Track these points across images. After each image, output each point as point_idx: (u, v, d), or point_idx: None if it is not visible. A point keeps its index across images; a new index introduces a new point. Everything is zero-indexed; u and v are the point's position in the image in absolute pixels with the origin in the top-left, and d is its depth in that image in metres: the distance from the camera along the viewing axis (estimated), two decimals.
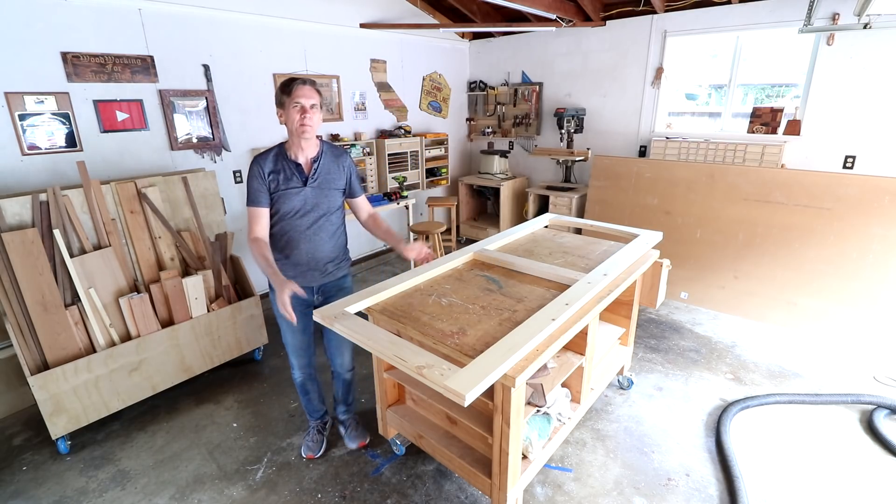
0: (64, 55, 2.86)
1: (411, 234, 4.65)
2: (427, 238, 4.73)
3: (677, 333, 3.44)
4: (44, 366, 2.33)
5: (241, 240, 3.90)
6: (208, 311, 2.86)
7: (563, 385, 2.21)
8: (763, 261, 3.54)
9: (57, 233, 2.38)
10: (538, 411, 1.97)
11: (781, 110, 3.91)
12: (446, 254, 3.01)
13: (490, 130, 5.76)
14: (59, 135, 2.92)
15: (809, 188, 3.36)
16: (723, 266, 3.71)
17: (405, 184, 4.91)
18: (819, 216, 3.32)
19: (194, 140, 3.54)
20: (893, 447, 2.24)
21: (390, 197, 4.49)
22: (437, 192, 5.84)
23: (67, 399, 2.35)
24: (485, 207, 6.12)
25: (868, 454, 2.25)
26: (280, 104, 1.84)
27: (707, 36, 4.15)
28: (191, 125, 3.50)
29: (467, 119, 6.03)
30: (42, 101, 2.82)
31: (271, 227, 1.95)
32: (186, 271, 2.92)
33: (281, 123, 1.89)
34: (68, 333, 2.39)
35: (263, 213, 1.91)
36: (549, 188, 5.02)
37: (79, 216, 2.52)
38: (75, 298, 2.46)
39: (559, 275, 2.11)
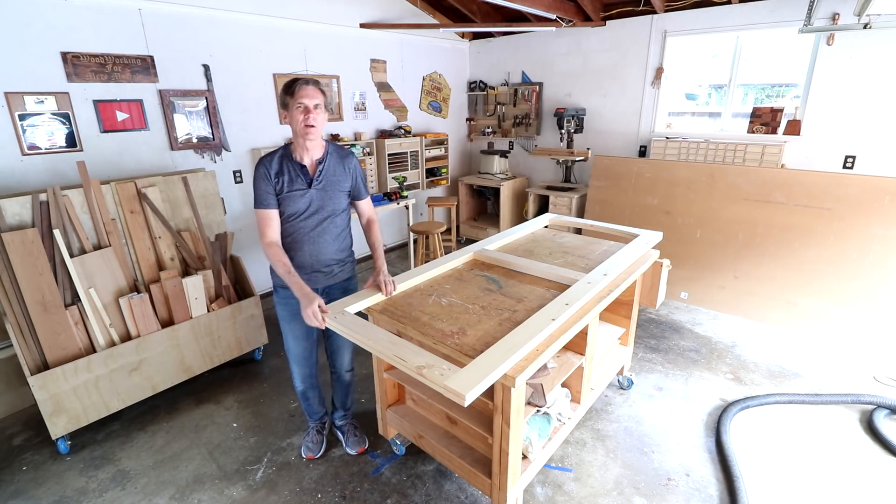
0: (64, 55, 2.86)
1: (411, 234, 4.66)
2: (427, 238, 4.74)
3: (677, 333, 3.44)
4: (44, 366, 2.33)
5: (241, 240, 3.90)
6: (208, 311, 2.86)
7: (563, 385, 2.21)
8: (763, 261, 3.54)
9: (57, 233, 2.38)
10: (538, 411, 1.97)
11: (781, 110, 3.91)
12: (446, 254, 3.01)
13: (490, 130, 5.76)
14: (59, 135, 2.92)
15: (809, 188, 3.36)
16: (723, 266, 3.71)
17: (405, 184, 4.91)
18: (819, 216, 3.32)
19: (194, 140, 3.54)
20: (893, 447, 2.24)
21: (390, 197, 4.49)
22: (437, 192, 5.84)
23: (67, 399, 2.35)
24: (485, 207, 6.12)
25: (868, 454, 2.25)
26: (284, 105, 1.82)
27: (707, 36, 4.14)
28: (191, 125, 3.50)
29: (467, 119, 6.03)
30: (42, 101, 2.82)
31: None
32: (186, 271, 2.93)
33: (282, 123, 1.89)
34: (68, 333, 2.39)
35: (274, 216, 1.88)
36: (549, 188, 5.02)
37: (79, 216, 2.52)
38: (75, 298, 2.46)
39: (559, 275, 2.11)
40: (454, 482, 2.16)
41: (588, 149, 4.93)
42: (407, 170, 5.04)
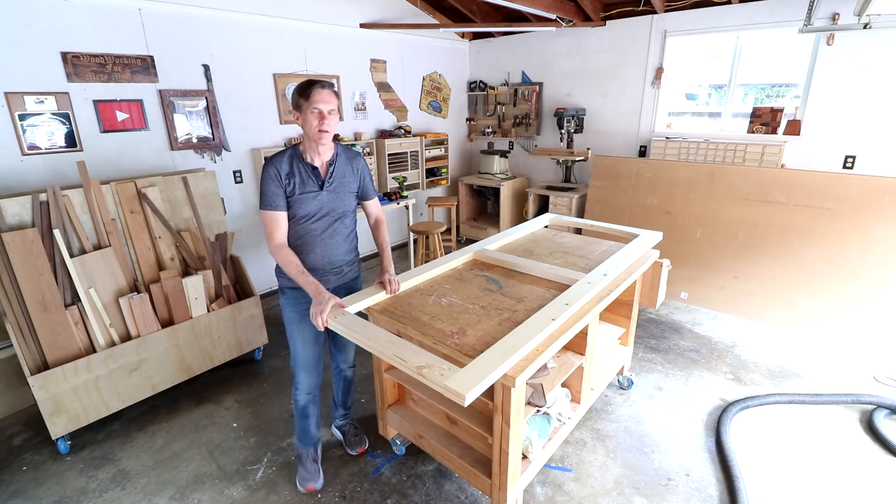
0: (64, 55, 2.86)
1: (411, 234, 4.66)
2: (427, 238, 4.74)
3: (677, 333, 3.44)
4: (44, 366, 2.33)
5: (241, 240, 3.90)
6: (208, 311, 2.86)
7: (563, 385, 2.21)
8: (763, 261, 3.54)
9: (57, 233, 2.38)
10: (538, 411, 1.97)
11: (781, 110, 3.91)
12: (446, 254, 3.01)
13: (490, 130, 5.76)
14: (59, 135, 2.92)
15: (809, 188, 3.36)
16: (723, 266, 3.71)
17: (405, 184, 4.91)
18: (819, 216, 3.32)
19: (194, 140, 3.54)
20: (893, 447, 2.24)
21: (390, 197, 4.49)
22: (437, 192, 5.84)
23: (67, 399, 2.35)
24: (485, 207, 6.12)
25: (868, 454, 2.25)
26: (297, 107, 1.78)
27: (707, 36, 4.14)
28: (191, 125, 3.50)
29: (467, 119, 6.03)
30: (42, 101, 2.82)
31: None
32: (186, 271, 2.92)
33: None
34: (68, 333, 2.39)
35: (283, 218, 1.83)
36: (549, 188, 5.02)
37: (79, 216, 2.52)
38: (75, 298, 2.46)
39: (559, 275, 2.11)
40: (454, 482, 2.16)
41: (588, 149, 4.93)
42: (407, 170, 5.04)
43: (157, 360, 2.65)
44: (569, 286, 2.00)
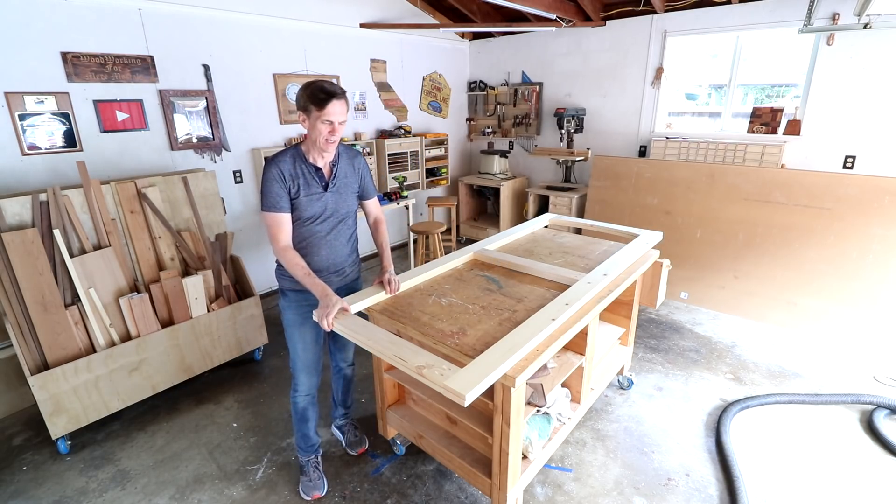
0: (64, 55, 2.86)
1: (411, 234, 4.66)
2: (427, 238, 4.74)
3: (677, 333, 3.44)
4: (44, 366, 2.33)
5: (241, 240, 3.90)
6: (208, 311, 2.86)
7: (563, 385, 2.21)
8: (763, 261, 3.54)
9: (57, 233, 2.38)
10: (538, 411, 1.97)
11: (781, 110, 3.91)
12: (446, 254, 3.01)
13: (490, 130, 5.76)
14: (58, 135, 2.92)
15: (809, 188, 3.36)
16: (723, 266, 3.71)
17: (405, 184, 4.91)
18: (819, 216, 3.32)
19: (194, 140, 3.54)
20: (893, 447, 2.24)
21: (390, 197, 4.49)
22: (437, 192, 5.84)
23: (67, 399, 2.35)
24: (485, 207, 6.12)
25: (868, 454, 2.25)
26: (305, 110, 1.72)
27: (707, 36, 4.14)
28: (191, 125, 3.50)
29: (467, 119, 6.03)
30: (42, 101, 2.82)
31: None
32: (186, 271, 2.93)
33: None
34: (68, 333, 2.39)
35: (287, 219, 1.79)
36: (549, 188, 5.02)
37: (79, 216, 2.52)
38: (75, 298, 2.46)
39: (559, 275, 2.12)
40: (454, 482, 2.16)
41: (588, 149, 4.93)
42: (407, 170, 5.04)
43: (157, 360, 2.65)
44: (569, 286, 2.00)
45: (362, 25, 4.49)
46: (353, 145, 4.53)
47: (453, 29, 4.84)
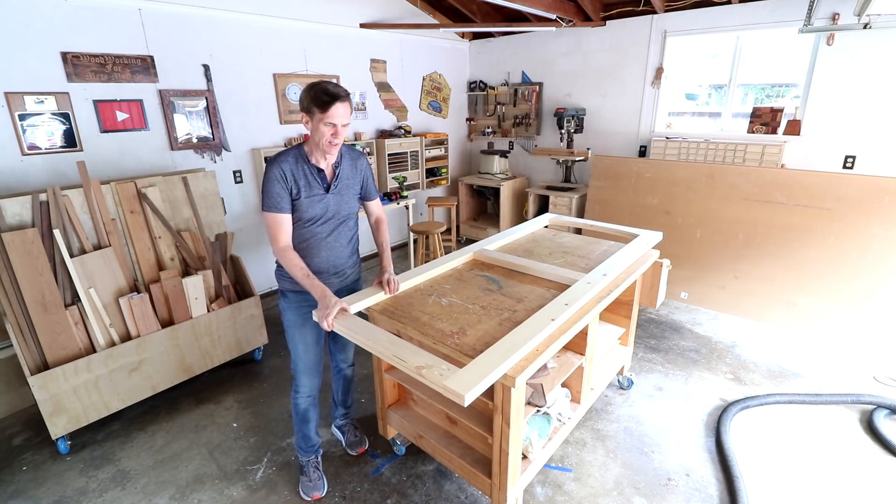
0: (64, 55, 2.86)
1: (411, 234, 4.66)
2: (427, 238, 4.74)
3: (677, 333, 3.44)
4: (44, 366, 2.33)
5: (241, 240, 3.90)
6: (208, 311, 2.86)
7: (563, 385, 2.21)
8: (763, 261, 3.54)
9: (57, 233, 2.38)
10: (538, 411, 1.97)
11: (781, 110, 3.91)
12: (446, 254, 3.01)
13: (490, 130, 5.76)
14: (58, 135, 2.92)
15: (809, 188, 3.36)
16: (723, 266, 3.71)
17: (405, 184, 4.91)
18: (819, 216, 3.32)
19: (194, 140, 3.54)
20: (893, 447, 2.24)
21: (390, 197, 4.49)
22: (437, 192, 5.84)
23: (67, 399, 2.35)
24: (485, 207, 6.12)
25: (868, 454, 2.25)
26: (308, 111, 1.71)
27: (707, 36, 4.14)
28: (191, 125, 3.50)
29: (467, 119, 6.03)
30: (42, 101, 2.82)
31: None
32: (186, 271, 2.93)
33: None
34: (68, 333, 2.39)
35: (287, 220, 1.78)
36: (549, 188, 5.02)
37: (79, 216, 2.52)
38: (75, 298, 2.46)
39: (559, 275, 2.11)
40: (454, 482, 2.16)
41: (588, 149, 4.93)
42: (407, 170, 5.04)
43: (157, 360, 2.65)
44: (569, 286, 2.00)
45: (362, 25, 4.49)
46: (353, 145, 4.53)
47: (453, 29, 4.84)
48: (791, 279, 3.43)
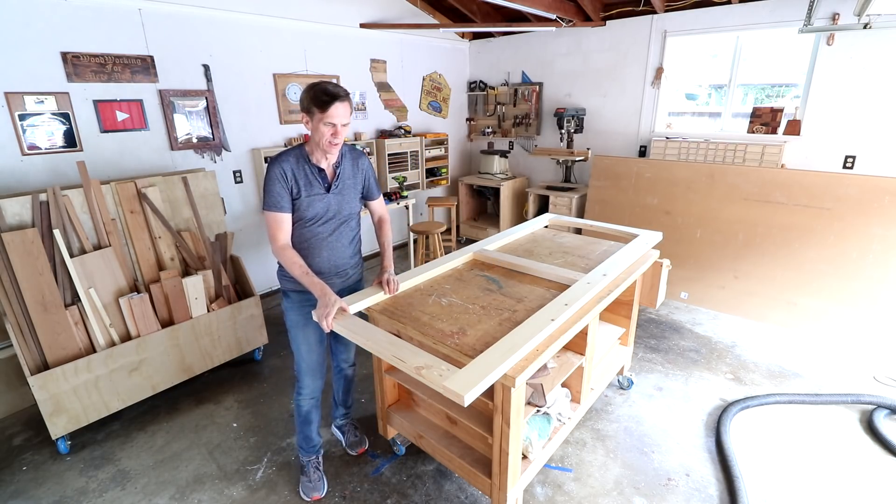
0: (64, 55, 2.86)
1: (411, 234, 4.66)
2: (427, 238, 4.74)
3: (677, 333, 3.44)
4: (44, 366, 2.33)
5: (241, 240, 3.90)
6: (208, 311, 2.86)
7: (563, 385, 2.21)
8: (763, 261, 3.54)
9: (57, 233, 2.38)
10: (538, 411, 1.97)
11: (781, 110, 3.91)
12: (446, 254, 3.01)
13: (490, 130, 5.76)
14: (58, 135, 2.92)
15: (809, 188, 3.36)
16: (723, 266, 3.71)
17: (405, 184, 4.91)
18: (819, 216, 3.32)
19: (194, 140, 3.54)
20: (893, 447, 2.24)
21: (390, 197, 4.49)
22: (437, 192, 5.84)
23: (67, 399, 2.35)
24: (485, 207, 6.12)
25: (868, 454, 2.25)
26: (308, 111, 1.72)
27: (707, 36, 4.14)
28: (191, 125, 3.50)
29: (467, 119, 6.03)
30: (42, 101, 2.82)
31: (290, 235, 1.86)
32: (186, 271, 2.93)
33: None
34: (68, 333, 2.39)
35: (287, 219, 1.79)
36: (549, 188, 5.02)
37: (79, 216, 2.52)
38: (75, 298, 2.46)
39: (559, 275, 2.11)
40: (454, 482, 2.16)
41: (588, 149, 4.93)
42: (407, 170, 5.04)
43: (157, 360, 2.65)
44: (569, 286, 2.00)
45: (362, 25, 4.49)
46: (353, 145, 4.53)
47: (453, 29, 4.84)
48: (791, 279, 3.43)
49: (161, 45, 3.25)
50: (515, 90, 5.43)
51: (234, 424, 2.60)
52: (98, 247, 2.58)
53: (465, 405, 1.30)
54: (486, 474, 1.82)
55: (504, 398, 1.59)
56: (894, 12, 3.08)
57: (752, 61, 4.15)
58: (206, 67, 3.51)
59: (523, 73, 5.38)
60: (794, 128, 3.84)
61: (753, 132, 4.03)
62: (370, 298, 1.92)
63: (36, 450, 2.45)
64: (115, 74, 3.08)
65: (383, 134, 4.89)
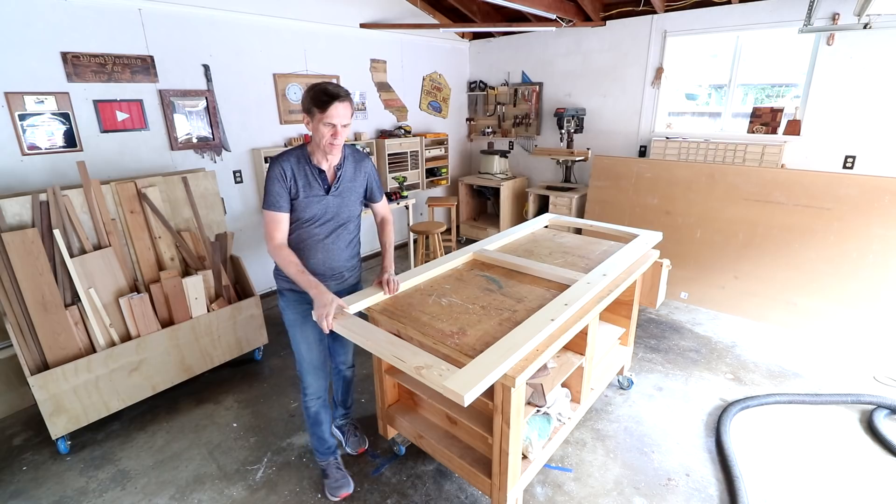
0: (64, 55, 2.86)
1: (411, 234, 4.66)
2: (427, 238, 4.74)
3: (677, 333, 3.44)
4: (44, 366, 2.33)
5: (241, 240, 3.90)
6: (208, 311, 2.86)
7: (563, 385, 2.21)
8: (763, 261, 3.54)
9: (57, 233, 2.38)
10: (538, 411, 1.97)
11: (781, 110, 3.91)
12: (446, 254, 3.01)
13: (490, 130, 5.76)
14: (59, 135, 2.92)
15: (809, 188, 3.36)
16: (723, 266, 3.71)
17: (405, 184, 4.91)
18: (819, 216, 3.32)
19: (194, 140, 3.54)
20: (893, 447, 2.24)
21: (390, 197, 4.49)
22: (437, 192, 5.84)
23: (67, 399, 2.35)
24: (485, 207, 6.12)
25: (868, 454, 2.25)
26: (308, 112, 1.71)
27: (707, 36, 4.14)
28: (191, 125, 3.50)
29: (467, 119, 6.03)
30: (42, 101, 2.82)
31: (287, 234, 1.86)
32: (186, 271, 2.93)
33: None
34: (68, 333, 2.39)
35: (285, 219, 1.80)
36: (549, 188, 5.02)
37: (79, 216, 2.52)
38: (75, 298, 2.46)
39: (559, 275, 2.11)
40: (454, 482, 2.16)
41: (588, 149, 4.93)
42: (407, 170, 5.04)
43: (157, 360, 2.65)
44: (568, 286, 2.00)
45: (362, 25, 4.49)
46: (353, 145, 4.53)
47: (453, 29, 4.84)
48: (791, 279, 3.43)
49: (161, 45, 3.25)
50: (515, 90, 5.43)
51: (234, 424, 2.60)
52: (98, 247, 2.58)
53: (465, 405, 1.30)
54: (486, 474, 1.82)
55: (504, 398, 1.59)
56: (894, 12, 3.08)
57: (752, 61, 4.15)
58: (206, 67, 3.51)
59: (523, 73, 5.38)
60: (794, 128, 3.84)
61: (753, 132, 4.03)
62: (370, 298, 1.92)
63: (36, 450, 2.45)
64: (115, 74, 3.08)
65: (383, 134, 4.89)
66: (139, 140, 3.27)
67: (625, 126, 4.75)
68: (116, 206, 2.69)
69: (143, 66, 3.19)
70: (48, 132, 2.88)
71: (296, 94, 4.08)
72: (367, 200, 2.05)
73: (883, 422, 2.40)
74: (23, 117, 2.77)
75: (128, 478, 2.24)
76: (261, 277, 3.95)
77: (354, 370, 2.35)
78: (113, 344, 2.53)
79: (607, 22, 4.59)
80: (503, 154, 5.51)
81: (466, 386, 1.30)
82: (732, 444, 2.30)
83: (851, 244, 3.21)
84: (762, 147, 3.89)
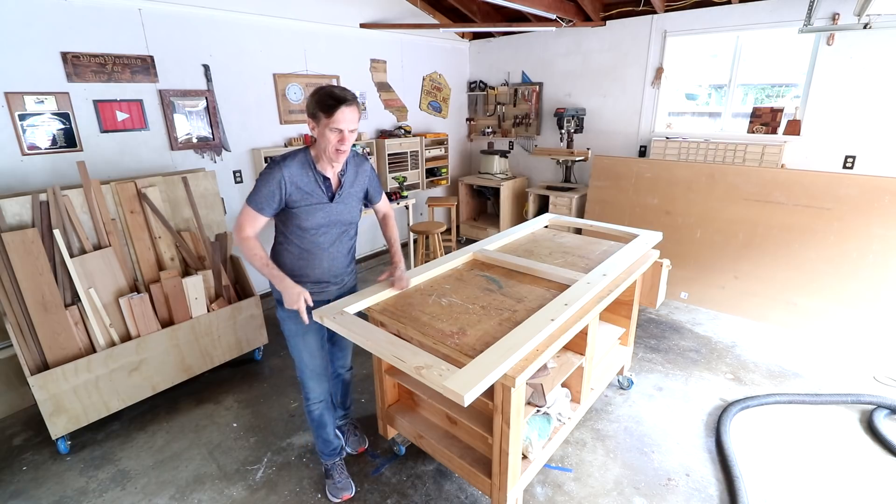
0: (64, 55, 2.86)
1: (411, 234, 4.66)
2: (427, 238, 4.74)
3: (677, 333, 3.44)
4: (44, 366, 2.33)
5: None
6: (208, 311, 2.86)
7: (563, 385, 2.21)
8: (763, 261, 3.54)
9: (57, 233, 2.38)
10: (538, 411, 1.97)
11: (781, 110, 3.91)
12: (446, 254, 3.01)
13: (490, 130, 5.76)
14: (59, 135, 2.92)
15: (809, 188, 3.36)
16: (723, 266, 3.71)
17: (405, 184, 4.91)
18: (819, 216, 3.32)
19: (194, 140, 3.54)
20: (893, 447, 2.24)
21: (390, 197, 4.49)
22: (437, 192, 5.84)
23: (67, 399, 2.35)
24: (485, 207, 6.12)
25: (868, 454, 2.25)
26: (313, 117, 1.64)
27: (707, 36, 4.14)
28: (191, 125, 3.50)
29: (467, 119, 6.03)
30: (42, 101, 2.82)
31: (288, 242, 1.83)
32: (186, 271, 2.93)
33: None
34: (68, 333, 2.39)
35: (262, 221, 1.74)
36: (549, 188, 5.02)
37: (79, 216, 2.52)
38: (75, 298, 2.46)
39: (559, 275, 2.11)
40: (454, 482, 2.16)
41: (588, 149, 4.93)
42: (407, 170, 5.04)
43: (157, 360, 2.65)
44: (568, 286, 2.00)
45: (362, 25, 4.49)
46: (354, 146, 4.53)
47: (453, 29, 4.84)
48: (791, 279, 3.43)
49: (161, 45, 3.25)
50: (515, 90, 5.43)
51: (234, 424, 2.60)
52: (98, 247, 2.58)
53: (465, 405, 1.30)
54: (486, 474, 1.82)
55: (504, 398, 1.59)
56: (894, 12, 3.08)
57: (752, 61, 4.15)
58: (206, 67, 3.51)
59: (523, 73, 5.38)
60: (794, 128, 3.84)
61: (753, 132, 4.03)
62: (370, 298, 1.92)
63: (36, 450, 2.45)
64: (115, 74, 3.08)
65: (383, 134, 4.89)
66: (139, 140, 3.27)
67: (625, 126, 4.75)
68: (116, 206, 2.69)
69: (143, 66, 3.19)
70: (48, 132, 2.88)
71: (296, 94, 4.08)
72: (367, 202, 2.04)
73: (883, 422, 2.40)
74: (23, 117, 2.77)
75: (128, 478, 2.24)
76: (260, 277, 3.93)
77: (353, 372, 2.35)
78: (113, 344, 2.53)
79: (607, 22, 4.59)
80: (503, 154, 5.51)
81: (466, 386, 1.30)
82: (732, 444, 2.30)
83: (851, 244, 3.21)
84: (762, 147, 3.89)
